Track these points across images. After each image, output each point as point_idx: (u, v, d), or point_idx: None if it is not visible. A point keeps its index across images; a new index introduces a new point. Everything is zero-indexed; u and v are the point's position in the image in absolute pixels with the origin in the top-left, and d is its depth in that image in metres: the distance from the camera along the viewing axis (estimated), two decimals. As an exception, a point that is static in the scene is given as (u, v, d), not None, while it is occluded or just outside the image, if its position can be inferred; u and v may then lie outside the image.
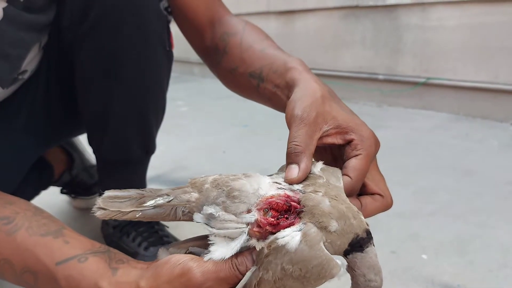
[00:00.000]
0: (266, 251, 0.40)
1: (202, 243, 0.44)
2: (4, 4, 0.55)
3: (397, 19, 2.37)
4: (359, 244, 0.40)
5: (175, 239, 0.89)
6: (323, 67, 2.74)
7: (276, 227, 0.40)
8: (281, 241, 0.39)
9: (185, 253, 0.44)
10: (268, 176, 0.46)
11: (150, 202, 0.44)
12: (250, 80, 0.62)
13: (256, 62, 0.61)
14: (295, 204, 0.41)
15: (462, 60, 2.14)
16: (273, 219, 0.41)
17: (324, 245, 0.39)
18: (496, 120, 2.03)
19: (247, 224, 0.41)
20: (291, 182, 0.44)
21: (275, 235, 0.40)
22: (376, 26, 2.47)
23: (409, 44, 2.34)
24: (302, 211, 0.41)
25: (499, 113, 2.03)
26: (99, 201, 0.45)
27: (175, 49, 0.79)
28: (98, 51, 0.70)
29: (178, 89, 3.11)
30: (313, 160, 0.46)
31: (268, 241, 0.40)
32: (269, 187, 0.43)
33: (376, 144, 0.49)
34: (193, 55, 0.78)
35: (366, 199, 0.48)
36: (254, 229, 0.41)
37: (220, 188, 0.43)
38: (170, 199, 0.44)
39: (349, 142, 0.48)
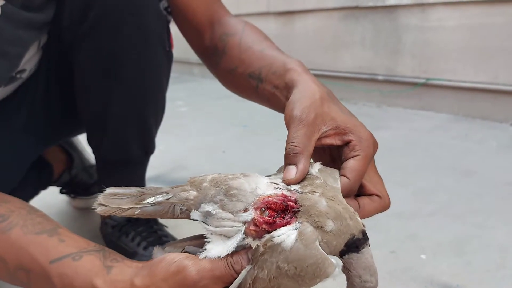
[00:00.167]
0: (261, 249, 0.40)
1: (198, 243, 0.44)
2: (2, 2, 0.55)
3: (397, 19, 2.37)
4: (355, 244, 0.41)
5: (174, 239, 0.89)
6: (323, 67, 2.74)
7: (272, 226, 0.40)
8: (276, 240, 0.39)
9: (181, 252, 0.44)
10: (267, 176, 0.46)
11: (149, 200, 0.45)
12: (249, 81, 0.62)
13: (255, 62, 0.61)
14: (292, 203, 0.42)
15: (461, 61, 2.14)
16: (269, 218, 0.41)
17: (320, 245, 0.39)
18: (496, 121, 2.03)
19: (244, 222, 0.41)
20: (288, 183, 0.44)
21: (271, 234, 0.40)
22: (375, 26, 2.47)
23: (408, 45, 2.34)
24: (299, 211, 0.41)
25: (498, 114, 2.03)
26: (100, 197, 0.45)
27: (175, 49, 0.80)
28: (98, 51, 0.70)
29: (178, 89, 3.11)
30: (311, 160, 0.46)
31: (264, 239, 0.40)
32: (267, 187, 0.43)
33: (374, 145, 0.49)
34: (193, 56, 0.78)
35: (364, 200, 0.48)
36: (251, 227, 0.41)
37: (218, 187, 0.43)
38: (169, 196, 0.45)
39: (347, 143, 0.48)
